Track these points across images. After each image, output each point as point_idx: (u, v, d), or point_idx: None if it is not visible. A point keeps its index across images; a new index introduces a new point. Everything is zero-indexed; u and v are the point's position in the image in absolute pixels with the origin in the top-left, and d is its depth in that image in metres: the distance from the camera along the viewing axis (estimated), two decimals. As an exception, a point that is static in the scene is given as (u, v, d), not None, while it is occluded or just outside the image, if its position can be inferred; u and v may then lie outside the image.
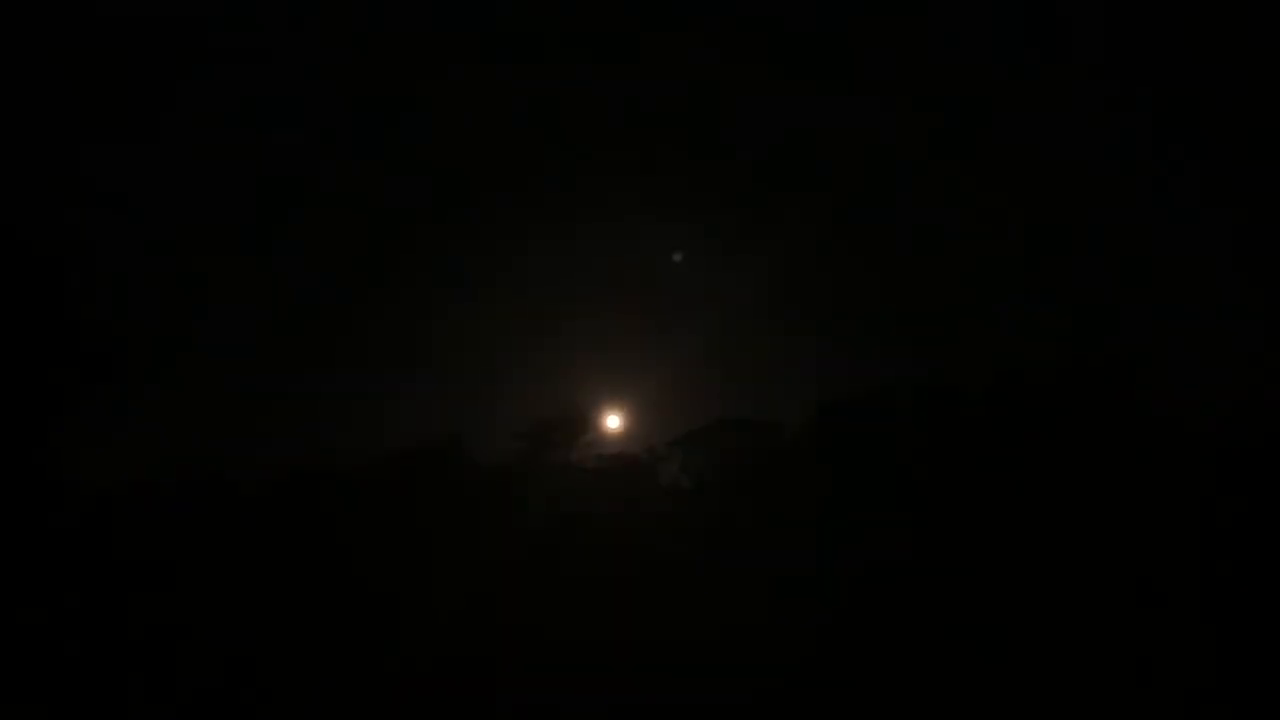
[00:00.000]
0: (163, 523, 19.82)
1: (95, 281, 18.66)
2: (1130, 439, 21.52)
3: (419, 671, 14.35)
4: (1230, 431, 21.46)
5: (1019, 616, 14.97)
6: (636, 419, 28.29)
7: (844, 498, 22.13)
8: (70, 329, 17.87)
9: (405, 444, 25.93)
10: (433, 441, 25.92)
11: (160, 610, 15.85)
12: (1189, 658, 12.28)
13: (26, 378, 17.21)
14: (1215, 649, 12.51)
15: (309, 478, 24.16)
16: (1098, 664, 12.78)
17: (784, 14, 40.30)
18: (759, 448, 27.38)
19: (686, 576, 19.32)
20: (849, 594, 17.63)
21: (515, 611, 17.24)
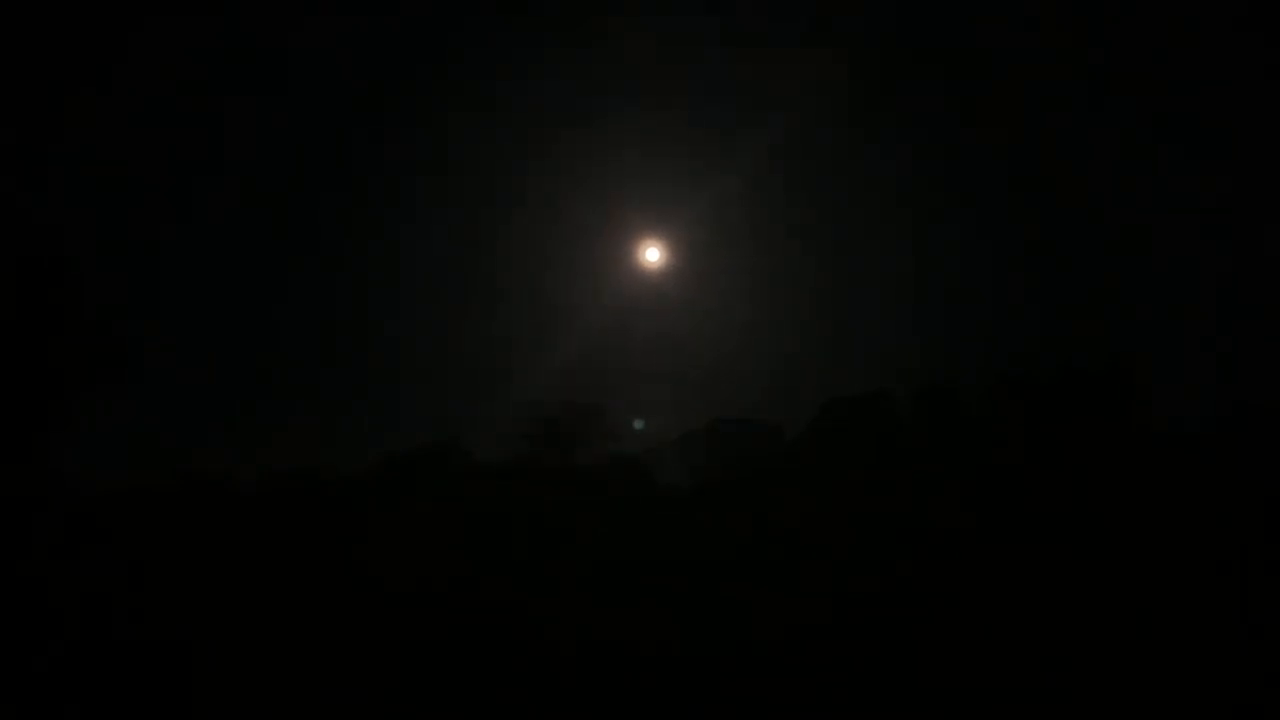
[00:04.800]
0: (162, 523, 19.82)
1: (94, 282, 18.67)
2: (1128, 439, 21.59)
3: (419, 671, 14.36)
4: (1228, 432, 21.54)
5: (1018, 615, 15.01)
6: (635, 417, 28.38)
7: (843, 497, 22.16)
8: (69, 329, 17.87)
9: (405, 445, 26.00)
10: (433, 442, 25.98)
11: (160, 610, 15.85)
12: (1188, 657, 12.31)
13: (25, 378, 17.21)
14: (1214, 648, 12.54)
15: (309, 478, 24.19)
16: (1095, 663, 12.81)
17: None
18: (759, 448, 27.42)
19: (686, 576, 19.34)
20: (849, 593, 17.66)
21: (515, 610, 17.26)
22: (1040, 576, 16.38)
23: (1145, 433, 21.88)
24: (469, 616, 16.98)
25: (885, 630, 15.49)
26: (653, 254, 32.05)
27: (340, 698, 13.43)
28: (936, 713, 12.29)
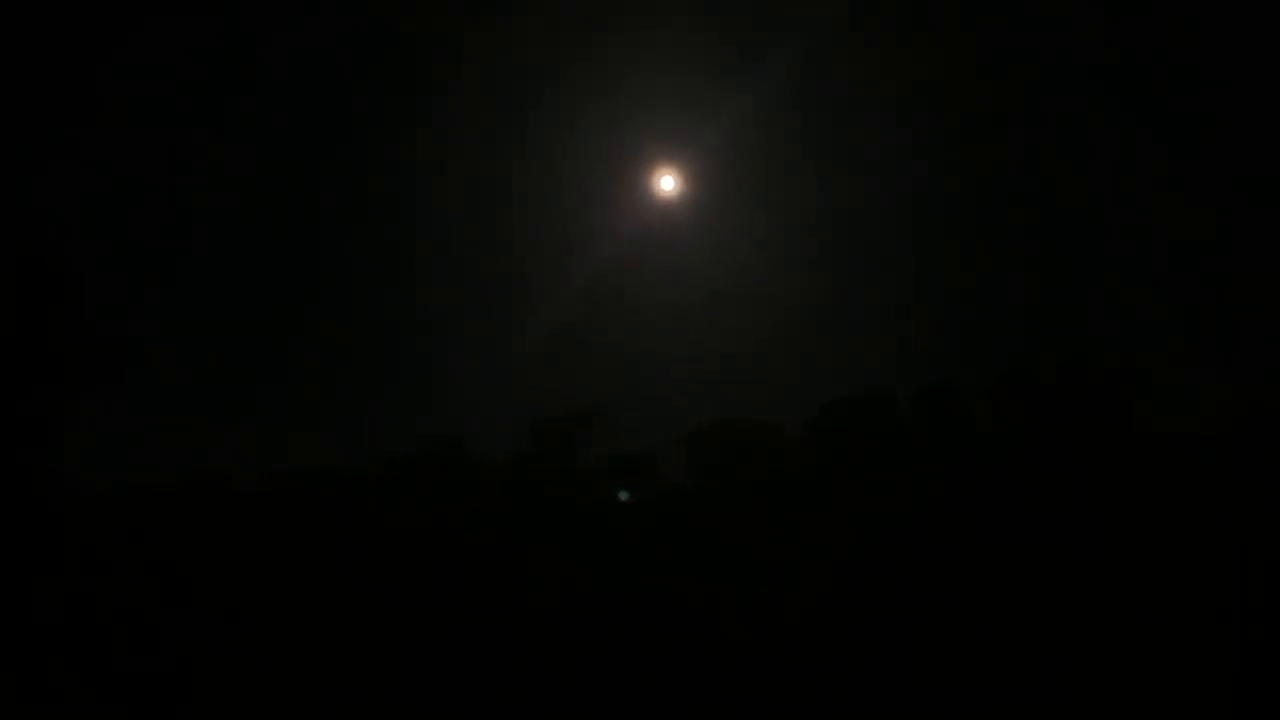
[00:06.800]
0: (163, 524, 19.81)
1: (94, 282, 18.65)
2: (1129, 440, 21.59)
3: (420, 671, 14.36)
4: (1227, 434, 21.53)
5: (1018, 616, 15.01)
6: (636, 416, 28.36)
7: (844, 497, 22.15)
8: (69, 329, 17.85)
9: (405, 445, 25.95)
10: (433, 441, 25.93)
11: (161, 610, 15.85)
12: (1188, 658, 12.31)
13: (25, 378, 17.19)
14: (1215, 649, 12.54)
15: (309, 478, 24.15)
16: (1095, 663, 12.81)
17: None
18: (759, 448, 27.35)
19: (687, 576, 19.33)
20: (849, 594, 17.65)
21: (516, 610, 17.26)
22: (1041, 577, 16.38)
23: (1146, 433, 21.89)
24: (471, 617, 16.98)
25: (885, 630, 15.50)
26: (667, 183, 31.70)
27: (343, 697, 13.43)
28: (937, 713, 12.29)
